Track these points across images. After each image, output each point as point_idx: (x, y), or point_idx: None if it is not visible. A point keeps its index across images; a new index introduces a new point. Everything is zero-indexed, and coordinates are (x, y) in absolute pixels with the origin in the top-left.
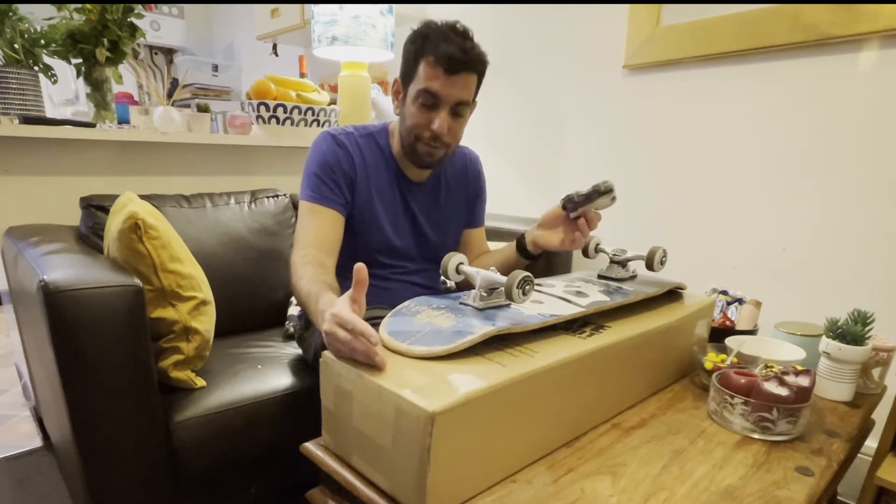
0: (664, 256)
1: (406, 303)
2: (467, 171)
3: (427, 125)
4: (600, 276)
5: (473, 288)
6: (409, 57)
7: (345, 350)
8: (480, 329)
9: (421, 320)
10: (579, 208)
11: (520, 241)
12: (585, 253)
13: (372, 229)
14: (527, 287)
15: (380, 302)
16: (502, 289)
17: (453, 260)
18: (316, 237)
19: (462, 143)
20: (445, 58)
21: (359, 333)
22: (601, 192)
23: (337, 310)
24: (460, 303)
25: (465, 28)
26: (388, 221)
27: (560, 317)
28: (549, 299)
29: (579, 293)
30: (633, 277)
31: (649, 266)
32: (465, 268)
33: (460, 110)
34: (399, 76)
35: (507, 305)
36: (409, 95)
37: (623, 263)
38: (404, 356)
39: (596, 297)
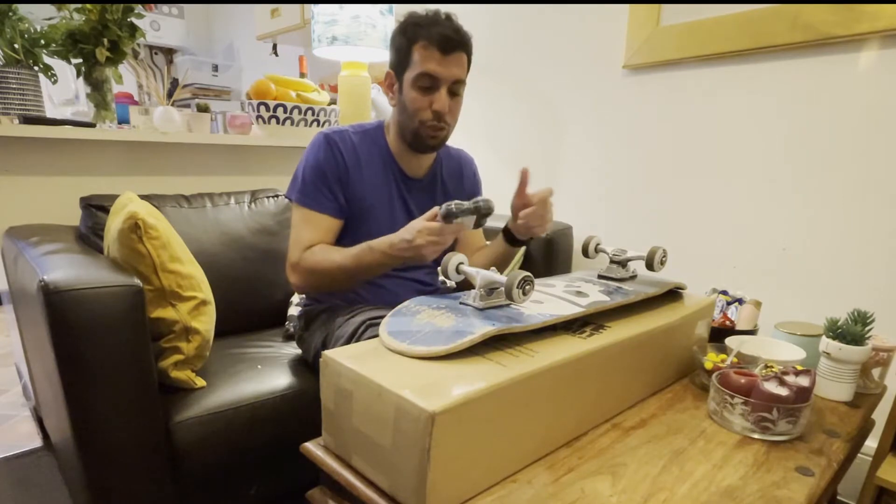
0: (664, 256)
1: (406, 303)
2: (462, 171)
3: (428, 107)
4: (600, 276)
5: (473, 288)
6: (402, 46)
7: (432, 241)
8: (480, 329)
9: (421, 320)
10: (455, 220)
11: (506, 230)
12: (585, 253)
13: (367, 225)
14: (527, 287)
15: (377, 298)
16: (502, 289)
17: (453, 260)
18: (318, 240)
19: (462, 143)
20: (440, 39)
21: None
22: (480, 213)
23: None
24: (460, 303)
25: (449, 13)
26: (384, 217)
27: (560, 317)
28: (549, 299)
29: (579, 293)
30: (633, 277)
31: (649, 266)
32: (465, 268)
33: (457, 89)
34: (391, 68)
35: (507, 305)
36: (405, 83)
37: (623, 263)
38: (404, 356)
39: (596, 297)
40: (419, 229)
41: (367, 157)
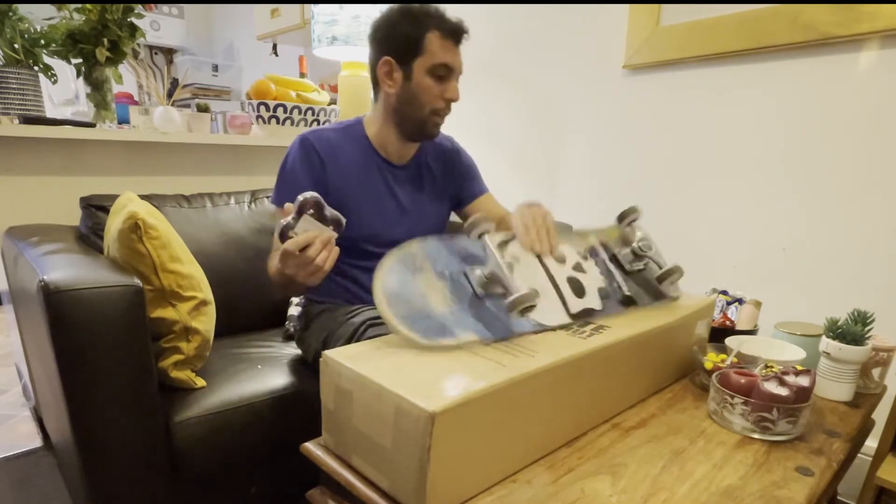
0: (676, 277)
1: (416, 248)
2: (445, 151)
3: (441, 95)
4: (612, 259)
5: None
6: (409, 34)
7: (297, 269)
8: (463, 334)
9: (417, 287)
10: (291, 231)
11: None
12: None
13: (354, 218)
14: (526, 312)
15: (368, 291)
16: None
17: (476, 231)
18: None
19: (462, 142)
20: (453, 30)
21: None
22: (304, 209)
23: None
24: (465, 274)
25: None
26: (370, 207)
27: (546, 328)
28: (549, 292)
29: (579, 287)
30: (641, 270)
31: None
32: (487, 240)
33: (458, 79)
34: (389, 55)
35: (504, 297)
36: (416, 71)
37: (640, 258)
38: (386, 318)
39: (592, 296)
40: (281, 257)
41: (346, 151)
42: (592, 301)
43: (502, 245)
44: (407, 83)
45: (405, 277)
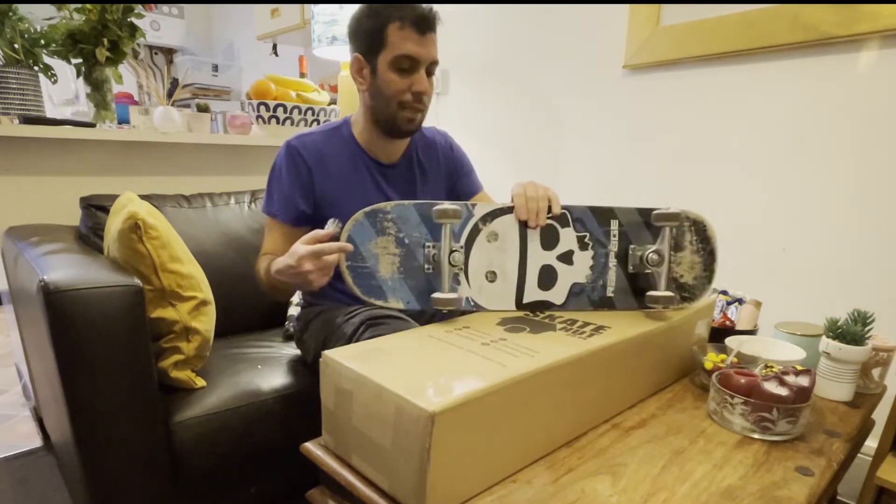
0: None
1: (392, 208)
2: (437, 147)
3: (408, 89)
4: (621, 254)
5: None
6: (373, 28)
7: (315, 266)
8: (392, 301)
9: (374, 247)
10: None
11: None
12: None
13: (343, 219)
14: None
15: None
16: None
17: (440, 220)
18: (273, 249)
19: (462, 142)
20: (416, 19)
21: (317, 252)
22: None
23: (293, 248)
24: (424, 245)
25: None
26: (359, 208)
27: (483, 309)
28: (509, 275)
29: (550, 278)
30: (645, 273)
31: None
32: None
33: (432, 70)
34: (359, 53)
35: (456, 274)
36: (380, 66)
37: (648, 266)
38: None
39: (559, 289)
40: (301, 255)
41: (333, 153)
42: (556, 295)
43: (488, 217)
44: (374, 79)
45: (368, 235)
